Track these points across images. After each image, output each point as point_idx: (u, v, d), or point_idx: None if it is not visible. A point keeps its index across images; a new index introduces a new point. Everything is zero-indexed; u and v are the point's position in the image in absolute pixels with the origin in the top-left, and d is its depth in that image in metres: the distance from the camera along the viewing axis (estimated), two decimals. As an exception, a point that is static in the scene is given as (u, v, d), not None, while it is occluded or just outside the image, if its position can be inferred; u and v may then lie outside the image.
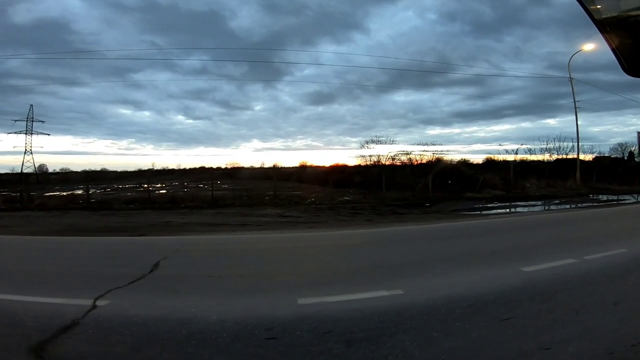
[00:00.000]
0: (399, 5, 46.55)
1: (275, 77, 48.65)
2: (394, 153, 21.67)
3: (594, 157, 29.91)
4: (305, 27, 41.04)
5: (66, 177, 34.82)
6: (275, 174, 25.16)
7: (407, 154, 23.00)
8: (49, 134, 33.93)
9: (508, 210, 11.81)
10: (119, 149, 50.16)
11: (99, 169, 42.91)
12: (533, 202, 14.18)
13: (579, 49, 20.05)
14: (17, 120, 31.33)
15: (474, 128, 59.18)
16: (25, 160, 32.95)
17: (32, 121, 32.03)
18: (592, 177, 20.32)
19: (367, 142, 21.69)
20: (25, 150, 32.98)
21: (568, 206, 12.57)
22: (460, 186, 17.82)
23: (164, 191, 21.03)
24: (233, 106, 52.02)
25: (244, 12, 43.17)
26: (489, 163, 25.84)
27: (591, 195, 16.84)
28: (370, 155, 21.85)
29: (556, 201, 14.42)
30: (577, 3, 1.12)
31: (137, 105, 50.24)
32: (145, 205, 12.51)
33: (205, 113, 53.91)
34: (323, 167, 32.66)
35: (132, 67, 46.54)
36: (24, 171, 32.65)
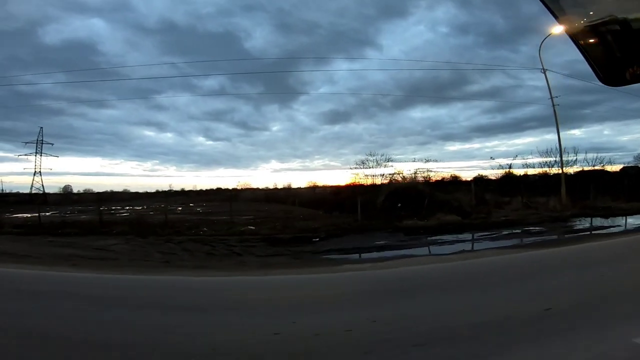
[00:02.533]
0: (409, 20, 45.56)
1: (291, 96, 49.18)
2: (387, 172, 20.58)
3: (621, 168, 26.09)
4: (318, 46, 41.35)
5: (82, 198, 37.64)
6: (229, 195, 24.65)
7: (398, 173, 21.49)
8: (57, 156, 36.99)
9: (425, 248, 9.54)
10: (144, 170, 53.63)
11: (121, 190, 46.00)
12: (482, 234, 11.55)
13: (548, 34, 17.48)
14: (28, 143, 34.63)
15: (495, 142, 55.63)
16: (34, 182, 36.24)
17: (42, 143, 35.21)
18: (589, 194, 16.71)
19: (362, 162, 21.08)
20: (35, 171, 36.22)
21: (527, 239, 9.81)
22: (412, 210, 15.61)
23: (126, 214, 21.41)
24: (251, 127, 53.60)
25: (257, 33, 44.77)
26: (480, 180, 22.83)
27: (577, 219, 13.65)
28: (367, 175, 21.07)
29: (517, 230, 11.71)
30: (551, 15, 1.16)
31: (160, 126, 53.88)
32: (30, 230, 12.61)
33: (225, 134, 56.15)
34: (335, 187, 31.69)
35: (155, 88, 50.18)
36: (34, 192, 35.80)
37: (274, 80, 42.35)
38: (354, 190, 22.23)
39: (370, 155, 21.35)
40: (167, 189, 46.54)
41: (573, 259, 6.81)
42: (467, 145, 55.17)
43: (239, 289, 5.78)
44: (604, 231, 10.58)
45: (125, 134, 50.15)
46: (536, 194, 18.44)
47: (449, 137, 56.26)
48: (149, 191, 48.79)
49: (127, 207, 27.22)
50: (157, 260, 8.44)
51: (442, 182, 24.02)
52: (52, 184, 47.87)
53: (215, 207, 26.85)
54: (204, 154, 53.26)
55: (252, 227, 13.88)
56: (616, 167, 27.08)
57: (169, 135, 53.42)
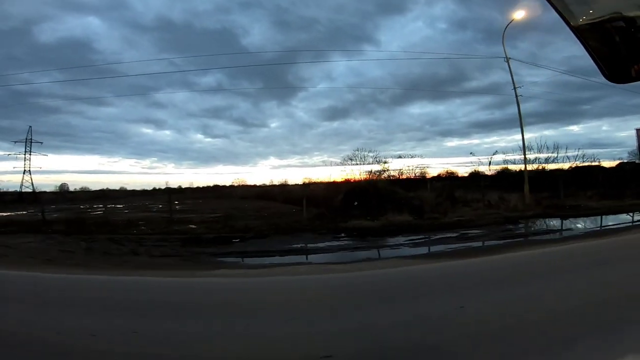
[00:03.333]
0: (408, 16, 44.46)
1: (289, 93, 48.96)
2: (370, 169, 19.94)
3: (617, 163, 25.31)
4: (316, 42, 40.96)
5: (77, 196, 38.43)
6: (184, 190, 24.26)
7: (384, 170, 20.79)
8: (46, 155, 37.72)
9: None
10: (142, 168, 54.28)
11: (118, 187, 46.78)
12: (413, 237, 10.31)
13: (511, 19, 16.33)
14: (17, 142, 35.42)
15: (494, 138, 54.24)
16: (24, 180, 37.08)
17: (31, 142, 35.97)
18: (560, 191, 15.53)
19: (349, 158, 20.33)
20: (24, 170, 37.06)
21: (451, 246, 8.66)
22: (368, 209, 14.84)
23: (99, 212, 21.49)
24: (249, 124, 53.58)
25: (255, 29, 44.54)
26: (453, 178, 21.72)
27: (533, 221, 12.56)
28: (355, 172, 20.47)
29: (453, 234, 10.60)
30: (554, 11, 1.15)
31: (158, 124, 54.35)
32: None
33: (223, 131, 56.19)
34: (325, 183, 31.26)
35: (153, 85, 50.57)
36: (24, 190, 36.65)
37: (272, 76, 42.03)
38: (329, 188, 21.64)
39: (358, 151, 20.49)
40: (164, 187, 46.96)
41: (460, 276, 5.85)
42: (466, 141, 54.00)
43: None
44: (547, 237, 9.47)
45: (123, 131, 50.60)
46: (515, 190, 17.46)
47: (448, 133, 55.28)
48: (146, 189, 49.53)
49: (109, 206, 27.44)
50: (43, 257, 8.14)
51: (414, 180, 23.16)
52: (51, 182, 49.18)
53: (195, 205, 26.86)
54: (203, 151, 53.50)
55: (193, 226, 13.52)
56: (613, 163, 26.14)
57: (167, 132, 53.94)
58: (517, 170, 21.77)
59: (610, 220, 11.94)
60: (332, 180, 21.76)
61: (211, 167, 62.14)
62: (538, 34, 47.82)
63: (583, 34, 1.17)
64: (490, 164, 21.61)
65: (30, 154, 34.84)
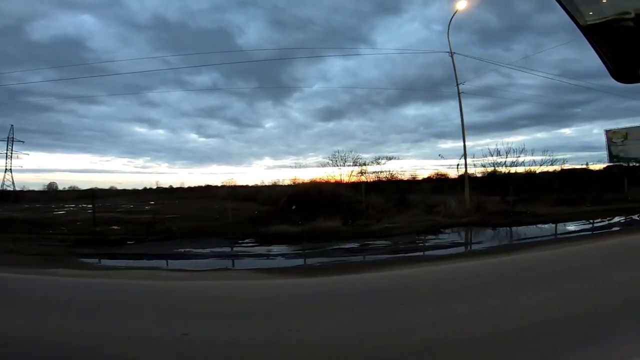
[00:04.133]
0: (404, 17, 44.52)
1: (284, 93, 49.19)
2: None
3: (605, 166, 24.99)
4: (312, 42, 41.22)
5: (64, 195, 39.16)
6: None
7: (363, 172, 20.47)
8: (28, 154, 38.37)
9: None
10: (135, 167, 54.86)
11: (118, 187, 47.35)
12: (312, 247, 9.71)
13: (455, 10, 15.86)
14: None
15: (487, 140, 53.78)
16: (5, 179, 37.79)
17: (13, 141, 36.75)
18: (509, 195, 14.92)
19: (332, 159, 20.16)
20: (6, 169, 37.74)
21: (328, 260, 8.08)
22: (307, 212, 14.46)
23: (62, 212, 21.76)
24: (244, 124, 53.86)
25: (251, 28, 44.81)
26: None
27: (460, 229, 11.91)
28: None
29: (354, 245, 9.84)
30: (564, 11, 1.15)
31: (152, 123, 54.81)
32: None
33: (218, 131, 56.50)
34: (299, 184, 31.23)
35: (146, 84, 51.18)
36: (5, 189, 37.40)
37: (268, 76, 42.15)
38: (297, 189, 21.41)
39: (339, 153, 20.27)
40: (154, 187, 47.38)
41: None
42: (459, 143, 53.54)
43: None
44: (431, 253, 8.52)
45: (115, 130, 51.01)
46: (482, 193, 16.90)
47: (442, 135, 54.90)
48: (137, 188, 50.06)
49: (81, 205, 27.78)
50: None
51: (394, 182, 22.61)
52: (41, 181, 49.99)
53: (166, 205, 26.82)
54: (197, 151, 53.77)
55: (116, 227, 13.40)
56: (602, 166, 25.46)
57: (161, 132, 54.39)
58: (484, 172, 21.21)
59: (542, 231, 11.22)
60: (311, 181, 21.51)
61: (205, 167, 62.56)
62: (531, 36, 47.74)
63: (591, 33, 1.18)
64: (458, 167, 20.89)
65: (12, 152, 35.57)
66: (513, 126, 60.77)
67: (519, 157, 18.95)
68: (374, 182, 21.68)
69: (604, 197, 16.33)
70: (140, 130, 54.92)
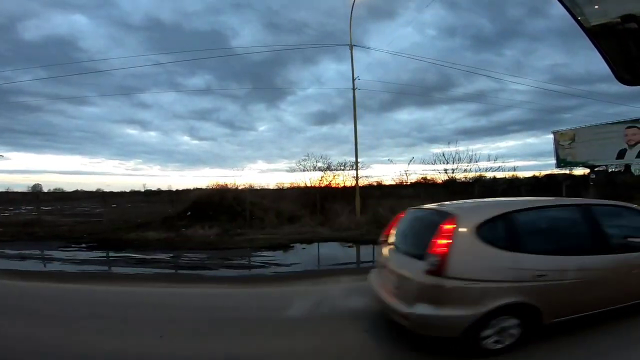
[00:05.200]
0: (398, 21, 44.21)
1: (278, 96, 49.33)
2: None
3: (588, 172, 23.61)
4: (306, 45, 41.22)
5: (47, 197, 40.21)
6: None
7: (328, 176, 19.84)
8: (2, 156, 39.46)
9: None
10: (126, 169, 55.58)
11: (105, 189, 48.28)
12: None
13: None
14: None
15: (479, 145, 52.62)
16: None
17: None
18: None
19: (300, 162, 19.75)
20: None
21: None
22: (206, 219, 14.11)
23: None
24: (237, 127, 54.10)
25: (245, 31, 45.08)
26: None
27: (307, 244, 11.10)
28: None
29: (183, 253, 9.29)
30: (567, 13, 1.15)
31: (144, 125, 55.46)
32: None
33: (210, 134, 56.90)
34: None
35: (138, 85, 51.84)
36: None
37: (261, 79, 42.21)
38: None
39: (307, 157, 19.81)
40: (141, 189, 48.11)
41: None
42: (452, 148, 52.73)
43: None
44: (234, 272, 7.47)
45: (106, 132, 51.81)
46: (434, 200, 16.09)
47: (435, 140, 53.93)
48: (125, 191, 50.94)
49: (44, 208, 28.39)
50: None
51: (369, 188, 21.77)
52: (30, 182, 51.41)
53: (118, 208, 27.05)
54: (189, 153, 54.22)
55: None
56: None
57: (153, 134, 54.99)
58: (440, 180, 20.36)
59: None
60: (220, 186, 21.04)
61: (198, 170, 62.81)
62: (523, 41, 46.61)
63: (595, 34, 1.17)
64: (407, 173, 20.29)
65: (-12, 155, 36.84)
66: (504, 131, 59.38)
67: (471, 164, 18.18)
68: (324, 188, 20.89)
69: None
70: (132, 132, 55.63)
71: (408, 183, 22.38)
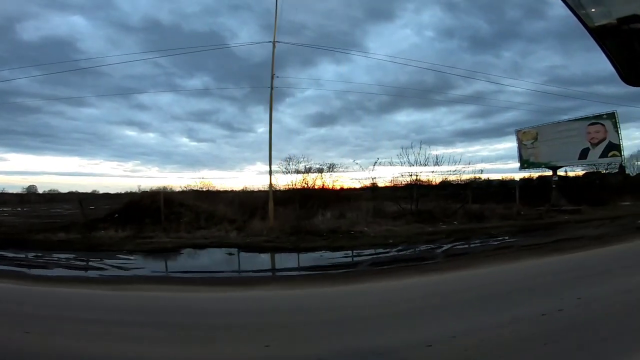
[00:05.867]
0: (397, 23, 44.01)
1: (277, 98, 49.37)
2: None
3: (583, 173, 22.91)
4: (305, 47, 41.38)
5: (39, 199, 41.59)
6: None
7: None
8: None
9: None
10: (125, 170, 56.64)
11: (103, 190, 49.20)
12: None
13: None
14: None
15: (477, 147, 51.77)
16: None
17: None
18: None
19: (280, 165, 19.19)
20: None
21: None
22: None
23: None
24: (236, 128, 54.50)
25: (244, 32, 45.39)
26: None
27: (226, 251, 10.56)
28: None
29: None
30: (572, 13, 1.14)
31: (142, 126, 56.36)
32: None
33: (209, 135, 57.36)
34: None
35: (137, 87, 52.56)
36: None
37: (260, 81, 42.37)
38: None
39: (289, 159, 19.30)
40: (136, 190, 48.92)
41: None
42: (450, 150, 52.21)
43: None
44: None
45: (105, 133, 52.64)
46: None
47: (433, 141, 52.93)
48: (120, 192, 52.00)
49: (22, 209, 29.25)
50: None
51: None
52: (27, 183, 52.74)
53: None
54: (188, 155, 54.66)
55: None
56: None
57: (151, 135, 55.77)
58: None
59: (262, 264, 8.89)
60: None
61: (196, 172, 63.61)
62: (521, 43, 45.59)
63: (599, 35, 1.16)
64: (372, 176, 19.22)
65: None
66: (502, 133, 58.04)
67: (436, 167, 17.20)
68: (285, 191, 20.16)
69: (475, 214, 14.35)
70: (131, 133, 56.75)
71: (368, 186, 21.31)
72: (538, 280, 5.77)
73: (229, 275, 7.30)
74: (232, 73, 40.41)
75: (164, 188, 17.53)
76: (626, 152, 23.88)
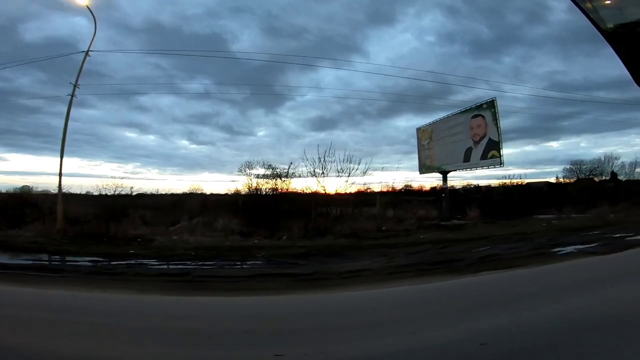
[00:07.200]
0: (397, 27, 44.59)
1: (277, 102, 50.44)
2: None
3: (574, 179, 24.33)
4: (305, 50, 42.71)
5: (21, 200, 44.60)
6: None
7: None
8: None
9: None
10: (124, 172, 58.90)
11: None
12: None
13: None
14: None
15: None
16: None
17: None
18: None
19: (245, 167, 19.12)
20: None
21: None
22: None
23: None
24: (236, 131, 55.81)
25: (245, 35, 47.37)
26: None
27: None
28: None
29: None
30: (579, 17, 1.08)
31: (143, 128, 58.51)
32: None
33: (209, 138, 58.99)
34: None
35: (138, 89, 54.81)
36: None
37: (261, 84, 43.74)
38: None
39: (250, 162, 19.06)
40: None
41: None
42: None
43: None
44: None
45: (105, 134, 54.97)
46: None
47: None
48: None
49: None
50: None
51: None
52: (27, 184, 55.64)
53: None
54: (188, 158, 56.19)
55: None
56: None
57: (152, 137, 57.93)
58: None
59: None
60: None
61: (196, 174, 64.53)
62: (521, 48, 44.04)
63: (613, 37, 1.14)
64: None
65: (-31, 155, 40.52)
66: (503, 139, 55.01)
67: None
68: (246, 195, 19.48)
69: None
70: (131, 135, 59.54)
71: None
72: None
73: None
74: (232, 76, 41.68)
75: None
76: (626, 159, 22.85)
